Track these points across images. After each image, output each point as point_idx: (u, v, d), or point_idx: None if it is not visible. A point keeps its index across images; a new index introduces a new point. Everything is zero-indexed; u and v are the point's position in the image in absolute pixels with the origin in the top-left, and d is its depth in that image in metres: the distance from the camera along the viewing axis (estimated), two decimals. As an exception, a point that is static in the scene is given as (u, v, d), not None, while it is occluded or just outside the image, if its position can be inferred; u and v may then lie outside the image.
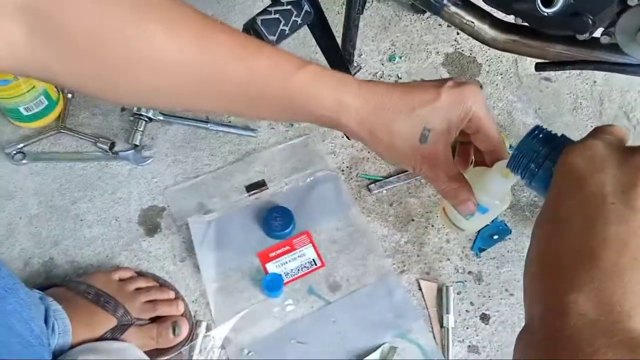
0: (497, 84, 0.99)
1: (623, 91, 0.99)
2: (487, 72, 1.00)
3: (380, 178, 0.88)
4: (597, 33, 0.60)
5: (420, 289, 0.79)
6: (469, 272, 0.81)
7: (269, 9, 0.66)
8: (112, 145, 0.89)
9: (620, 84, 0.99)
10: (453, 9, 0.69)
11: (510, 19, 0.68)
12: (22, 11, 0.37)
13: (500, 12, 0.67)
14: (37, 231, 0.82)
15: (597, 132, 0.38)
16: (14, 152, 0.87)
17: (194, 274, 0.79)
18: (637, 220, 0.32)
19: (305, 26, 0.70)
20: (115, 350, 0.68)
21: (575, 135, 0.40)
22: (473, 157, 0.54)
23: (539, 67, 0.70)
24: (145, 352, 0.70)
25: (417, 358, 0.74)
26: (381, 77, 0.98)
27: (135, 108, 0.89)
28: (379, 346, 0.74)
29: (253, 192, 0.86)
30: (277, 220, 0.81)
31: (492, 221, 0.82)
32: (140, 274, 0.78)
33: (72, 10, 0.38)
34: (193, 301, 0.78)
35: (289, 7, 0.66)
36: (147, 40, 0.41)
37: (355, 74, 0.96)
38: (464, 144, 0.53)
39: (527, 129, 0.44)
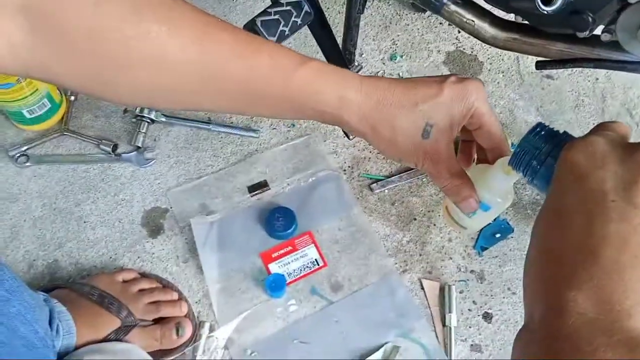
0: (498, 82, 0.99)
1: (625, 88, 0.98)
2: (489, 70, 1.00)
3: (382, 177, 0.88)
4: (598, 31, 0.60)
5: (422, 288, 0.79)
6: (472, 271, 0.81)
7: (269, 10, 0.66)
8: (115, 147, 0.89)
9: (623, 81, 0.98)
10: (453, 7, 0.69)
11: (511, 17, 0.68)
12: (22, 11, 0.37)
13: (500, 11, 0.67)
14: (41, 233, 0.82)
15: (599, 129, 0.37)
16: (18, 154, 0.88)
17: (197, 274, 0.80)
18: (638, 218, 0.31)
19: (306, 26, 0.70)
20: (120, 351, 0.68)
21: (578, 133, 0.40)
22: (475, 155, 0.54)
23: (539, 65, 0.69)
24: (149, 353, 0.71)
25: (419, 357, 0.74)
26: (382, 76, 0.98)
27: (137, 110, 0.89)
28: (382, 346, 0.74)
29: (255, 192, 0.86)
30: (279, 221, 0.81)
31: (495, 219, 0.82)
32: (144, 275, 0.78)
33: (72, 10, 0.38)
34: (196, 302, 0.78)
35: (288, 8, 0.66)
36: (149, 40, 0.40)
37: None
38: (467, 141, 0.53)
39: (529, 127, 0.44)
